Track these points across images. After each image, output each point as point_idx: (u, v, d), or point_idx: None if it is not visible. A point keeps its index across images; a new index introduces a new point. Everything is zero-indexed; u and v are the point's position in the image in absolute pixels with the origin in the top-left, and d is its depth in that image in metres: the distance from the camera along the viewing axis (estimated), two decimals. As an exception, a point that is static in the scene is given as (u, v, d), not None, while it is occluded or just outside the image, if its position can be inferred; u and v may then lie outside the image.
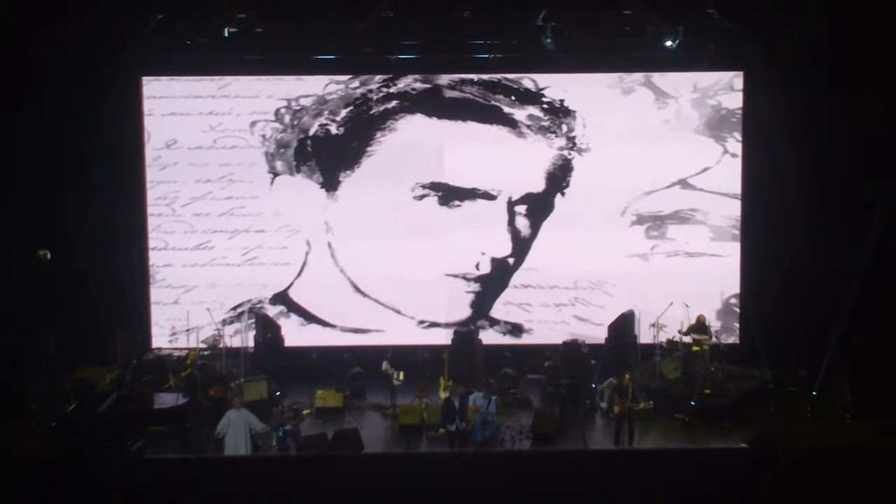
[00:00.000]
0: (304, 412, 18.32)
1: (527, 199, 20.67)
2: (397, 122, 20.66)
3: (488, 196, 20.60)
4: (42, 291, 19.04)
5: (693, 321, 19.29)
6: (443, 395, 18.20)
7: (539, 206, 20.72)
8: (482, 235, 20.68)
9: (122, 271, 20.40)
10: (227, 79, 20.53)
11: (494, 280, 20.87)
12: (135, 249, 20.71)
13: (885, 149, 19.00)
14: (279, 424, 16.71)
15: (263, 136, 20.68)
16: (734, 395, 18.35)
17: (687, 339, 19.06)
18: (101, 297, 19.97)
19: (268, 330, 20.41)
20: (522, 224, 20.74)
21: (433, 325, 20.94)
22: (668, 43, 18.48)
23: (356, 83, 20.57)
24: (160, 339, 20.85)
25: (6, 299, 18.56)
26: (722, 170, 20.59)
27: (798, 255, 19.67)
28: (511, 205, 20.63)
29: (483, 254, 20.76)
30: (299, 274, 20.95)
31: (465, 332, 20.34)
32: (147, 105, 20.57)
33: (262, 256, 20.90)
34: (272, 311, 20.90)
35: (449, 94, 20.59)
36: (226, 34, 18.37)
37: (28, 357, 18.37)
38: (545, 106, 20.62)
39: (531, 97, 20.59)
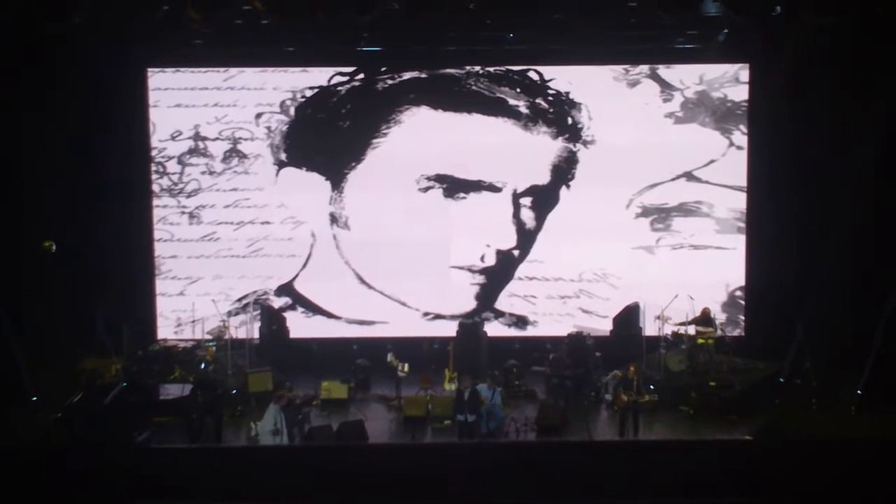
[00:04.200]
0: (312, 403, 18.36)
1: (532, 191, 20.65)
2: (402, 114, 20.65)
3: (493, 188, 20.59)
4: (45, 282, 19.06)
5: (698, 314, 19.29)
6: (448, 387, 18.22)
7: (544, 198, 20.71)
8: (487, 227, 20.67)
9: (127, 262, 20.45)
10: (233, 70, 20.52)
11: (499, 272, 20.86)
12: (141, 240, 20.74)
13: (891, 142, 18.96)
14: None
15: (269, 127, 20.69)
16: (739, 388, 18.31)
17: (691, 332, 19.07)
18: (107, 288, 20.01)
19: (273, 321, 20.43)
20: (527, 216, 20.73)
21: (438, 316, 20.95)
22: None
23: (362, 75, 20.57)
24: (165, 330, 20.89)
25: (10, 291, 18.58)
26: (727, 162, 20.56)
27: (803, 248, 19.66)
28: (516, 197, 20.62)
29: (488, 246, 20.75)
30: (304, 265, 20.96)
31: (471, 324, 20.34)
32: (152, 97, 20.58)
33: (268, 248, 20.91)
34: (277, 302, 20.93)
35: (454, 86, 20.56)
36: (232, 26, 18.34)
37: (30, 348, 18.39)
38: (551, 98, 20.59)
39: (536, 89, 20.56)
